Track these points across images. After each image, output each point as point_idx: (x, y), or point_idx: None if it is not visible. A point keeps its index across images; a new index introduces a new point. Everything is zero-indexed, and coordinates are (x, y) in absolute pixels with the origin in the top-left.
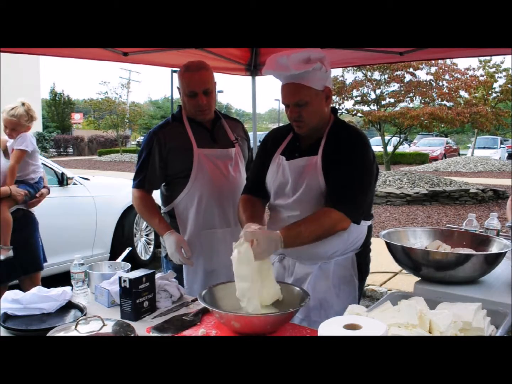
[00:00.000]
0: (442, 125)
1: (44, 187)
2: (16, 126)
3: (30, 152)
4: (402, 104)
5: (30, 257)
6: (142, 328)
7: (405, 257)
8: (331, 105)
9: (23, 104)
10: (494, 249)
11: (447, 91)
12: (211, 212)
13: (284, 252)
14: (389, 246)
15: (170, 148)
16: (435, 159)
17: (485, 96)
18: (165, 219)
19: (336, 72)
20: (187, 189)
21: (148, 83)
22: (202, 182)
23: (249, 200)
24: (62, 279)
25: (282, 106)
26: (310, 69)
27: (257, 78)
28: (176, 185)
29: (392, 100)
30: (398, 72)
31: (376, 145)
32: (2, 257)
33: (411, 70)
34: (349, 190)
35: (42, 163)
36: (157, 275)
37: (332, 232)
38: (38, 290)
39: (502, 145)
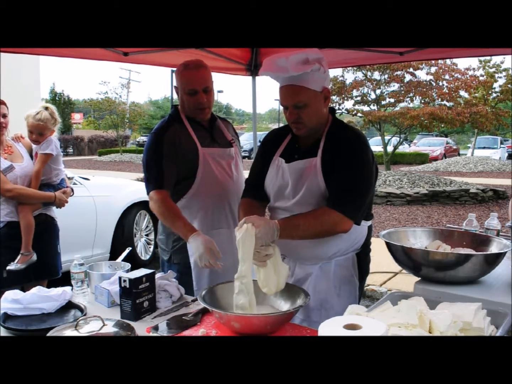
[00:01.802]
0: (442, 125)
1: (67, 187)
2: (43, 130)
3: (54, 156)
4: (402, 104)
5: (46, 263)
6: (142, 328)
7: (405, 257)
8: (329, 105)
9: (46, 108)
10: (494, 249)
11: (447, 91)
12: (218, 211)
13: (285, 253)
14: (389, 246)
15: (178, 149)
16: (435, 159)
17: (485, 96)
18: None
19: (336, 72)
20: (193, 189)
21: (148, 83)
22: (208, 181)
23: (249, 205)
24: (62, 279)
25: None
26: (309, 70)
27: (257, 78)
28: (181, 185)
29: (392, 100)
30: (398, 72)
31: (376, 145)
32: (24, 266)
33: (411, 70)
34: (349, 193)
35: None
36: (157, 275)
37: (332, 233)
38: (38, 290)
39: (502, 145)
